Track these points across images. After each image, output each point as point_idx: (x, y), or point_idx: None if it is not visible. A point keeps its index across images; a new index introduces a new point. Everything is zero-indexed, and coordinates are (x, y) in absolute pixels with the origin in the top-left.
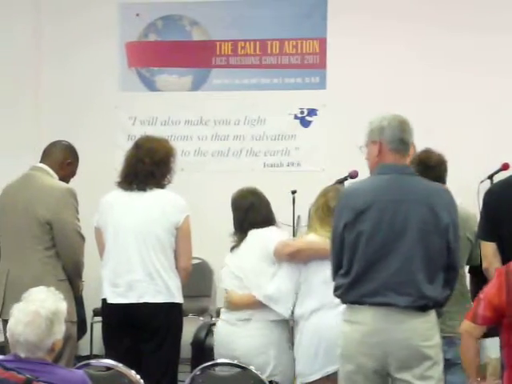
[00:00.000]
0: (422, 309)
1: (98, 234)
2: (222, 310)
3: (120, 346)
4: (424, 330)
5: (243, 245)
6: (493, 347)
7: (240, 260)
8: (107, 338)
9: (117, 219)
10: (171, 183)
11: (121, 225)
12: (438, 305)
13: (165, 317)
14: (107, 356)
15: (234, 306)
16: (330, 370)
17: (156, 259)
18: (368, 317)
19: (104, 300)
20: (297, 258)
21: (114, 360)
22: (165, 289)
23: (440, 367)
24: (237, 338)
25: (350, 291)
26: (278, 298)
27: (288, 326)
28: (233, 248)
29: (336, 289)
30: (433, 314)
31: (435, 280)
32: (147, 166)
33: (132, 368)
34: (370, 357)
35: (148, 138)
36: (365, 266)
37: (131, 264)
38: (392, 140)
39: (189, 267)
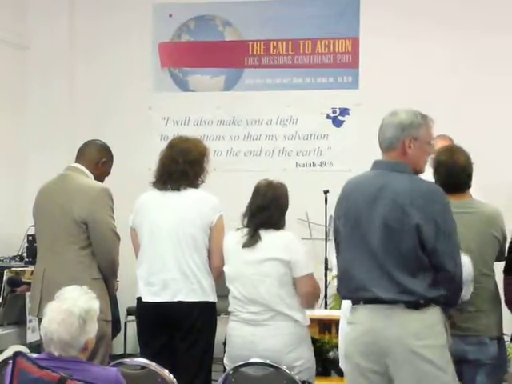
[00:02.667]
0: (415, 306)
1: (134, 234)
2: (233, 311)
3: (154, 344)
4: (417, 328)
5: (259, 246)
6: None
7: (257, 268)
8: (142, 337)
9: (152, 219)
10: (204, 183)
11: (155, 224)
12: (431, 302)
13: (198, 315)
14: (142, 354)
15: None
16: None
17: (190, 258)
18: (363, 316)
19: (139, 299)
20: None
21: (149, 358)
22: (199, 288)
23: (441, 369)
24: (260, 338)
25: (339, 287)
26: None
27: None
28: (244, 246)
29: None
30: (430, 312)
31: (417, 277)
32: (181, 166)
33: (166, 367)
34: (367, 356)
35: (181, 138)
36: (344, 263)
37: (166, 263)
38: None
39: (221, 266)
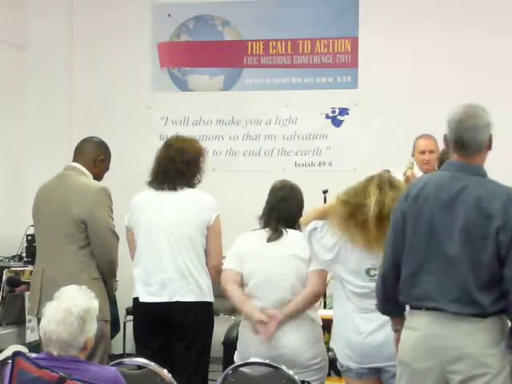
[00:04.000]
0: (479, 316)
1: (130, 233)
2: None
3: (152, 344)
4: (483, 337)
5: (283, 242)
6: None
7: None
8: (139, 337)
9: (148, 219)
10: (201, 183)
11: (152, 224)
12: (495, 314)
13: (196, 315)
14: (138, 354)
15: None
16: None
17: (187, 258)
18: (423, 322)
19: (136, 299)
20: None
21: (146, 358)
22: (196, 287)
23: (501, 378)
24: (279, 336)
25: (401, 293)
26: None
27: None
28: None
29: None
30: (495, 320)
31: (488, 289)
32: (177, 165)
33: (164, 367)
34: (425, 363)
35: (178, 137)
36: (412, 268)
37: (163, 263)
38: (451, 139)
39: (219, 265)
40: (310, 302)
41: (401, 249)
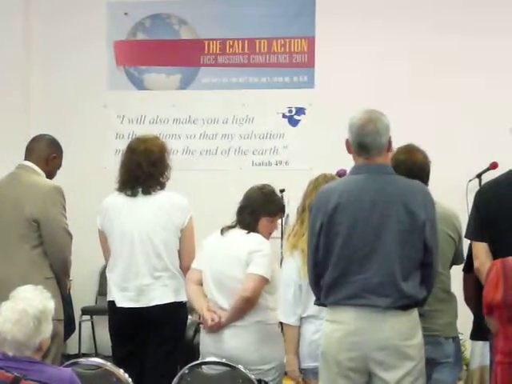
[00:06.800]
0: (404, 308)
1: (102, 236)
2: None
3: (128, 346)
4: (406, 329)
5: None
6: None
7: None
8: (115, 339)
9: (122, 224)
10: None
11: (127, 230)
12: (418, 304)
13: (172, 316)
14: (113, 355)
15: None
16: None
17: (163, 262)
18: (350, 316)
19: (111, 302)
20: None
21: (122, 359)
22: (172, 290)
23: (421, 367)
24: (227, 337)
25: (328, 295)
26: None
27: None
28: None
29: (315, 294)
30: (415, 312)
31: (411, 278)
32: (145, 168)
33: (138, 367)
34: (350, 355)
35: (139, 139)
36: (341, 270)
37: (138, 269)
38: (353, 142)
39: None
40: (242, 309)
41: (322, 260)
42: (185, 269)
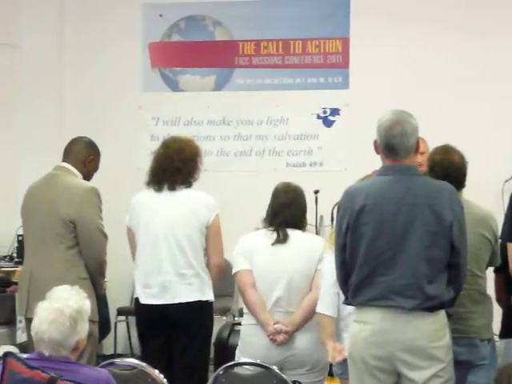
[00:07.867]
0: (430, 309)
1: (130, 233)
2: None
3: (154, 344)
4: (432, 330)
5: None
6: None
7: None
8: (142, 337)
9: (147, 220)
10: (197, 181)
11: (151, 226)
12: (444, 305)
13: (197, 315)
14: (142, 354)
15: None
16: None
17: (187, 259)
18: (375, 317)
19: (137, 300)
20: None
21: (149, 357)
22: (196, 288)
23: (450, 368)
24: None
25: (355, 296)
26: None
27: None
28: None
29: (343, 293)
30: (442, 313)
31: (437, 279)
32: (175, 163)
33: (164, 365)
34: (375, 354)
35: (174, 138)
36: (367, 271)
37: (162, 265)
38: (380, 144)
39: (222, 264)
40: (313, 313)
41: (349, 260)
42: (213, 267)
